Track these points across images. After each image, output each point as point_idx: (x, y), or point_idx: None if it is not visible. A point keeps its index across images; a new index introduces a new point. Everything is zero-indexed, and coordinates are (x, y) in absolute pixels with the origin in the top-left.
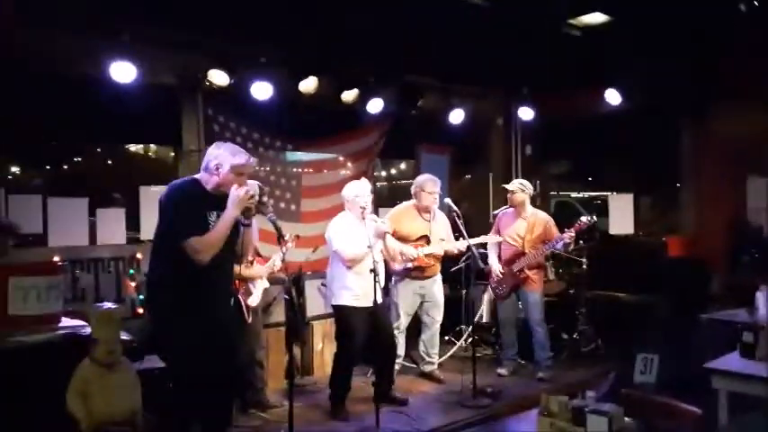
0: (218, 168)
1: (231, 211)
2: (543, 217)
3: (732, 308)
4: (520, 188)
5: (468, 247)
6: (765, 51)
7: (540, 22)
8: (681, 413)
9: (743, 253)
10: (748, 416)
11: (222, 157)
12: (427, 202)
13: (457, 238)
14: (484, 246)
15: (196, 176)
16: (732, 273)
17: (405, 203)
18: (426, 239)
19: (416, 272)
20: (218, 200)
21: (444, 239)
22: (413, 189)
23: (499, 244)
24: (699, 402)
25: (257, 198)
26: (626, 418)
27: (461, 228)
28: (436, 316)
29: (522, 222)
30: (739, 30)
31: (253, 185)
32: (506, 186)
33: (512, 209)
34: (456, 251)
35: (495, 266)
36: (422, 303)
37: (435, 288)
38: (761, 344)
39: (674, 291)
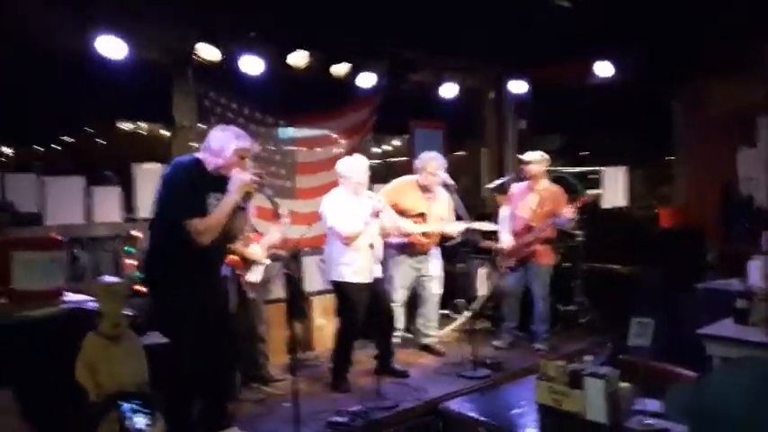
0: (221, 150)
1: (234, 195)
2: (555, 191)
3: (725, 277)
4: (537, 160)
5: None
6: (757, 23)
7: None
8: (676, 377)
9: (734, 223)
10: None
11: (226, 140)
12: (428, 182)
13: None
14: (485, 220)
15: (198, 156)
16: (724, 242)
17: (407, 177)
18: (423, 217)
19: (410, 248)
20: (216, 181)
21: (444, 218)
22: (417, 164)
23: (511, 217)
24: (693, 369)
25: (260, 182)
26: (622, 383)
27: (457, 201)
28: (434, 289)
29: (535, 196)
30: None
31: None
32: (522, 157)
33: (525, 182)
34: (453, 233)
35: (506, 239)
36: (419, 278)
37: (432, 263)
38: (754, 310)
39: (668, 261)
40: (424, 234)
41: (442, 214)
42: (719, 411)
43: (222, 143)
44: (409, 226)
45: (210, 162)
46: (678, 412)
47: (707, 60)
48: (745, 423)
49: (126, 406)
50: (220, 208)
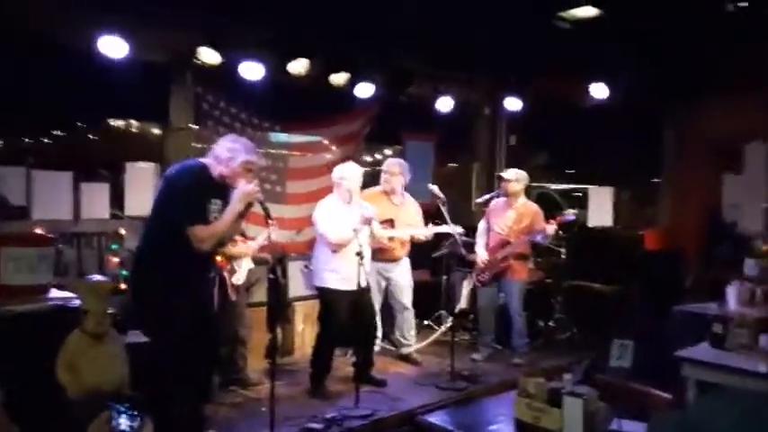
0: (229, 160)
1: (237, 206)
2: (533, 208)
3: (704, 300)
4: (515, 178)
5: (451, 234)
6: (750, 50)
7: (532, 13)
8: (652, 398)
9: (717, 248)
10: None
11: (236, 152)
12: (389, 186)
13: (440, 225)
14: (468, 234)
15: (204, 161)
16: (706, 267)
17: (373, 188)
18: (391, 223)
19: (378, 254)
20: (219, 188)
21: (412, 225)
22: (382, 174)
23: (487, 232)
24: (669, 390)
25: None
26: (599, 402)
27: (445, 214)
28: (402, 299)
29: (512, 212)
30: (725, 28)
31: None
32: (502, 174)
33: (503, 198)
34: (422, 237)
35: (481, 254)
36: (388, 286)
37: (399, 271)
38: (730, 335)
39: (650, 282)
40: (390, 239)
41: (410, 221)
42: None
43: (232, 153)
44: (376, 230)
45: (216, 169)
46: None
47: (700, 85)
48: None
49: (114, 407)
50: (224, 217)
